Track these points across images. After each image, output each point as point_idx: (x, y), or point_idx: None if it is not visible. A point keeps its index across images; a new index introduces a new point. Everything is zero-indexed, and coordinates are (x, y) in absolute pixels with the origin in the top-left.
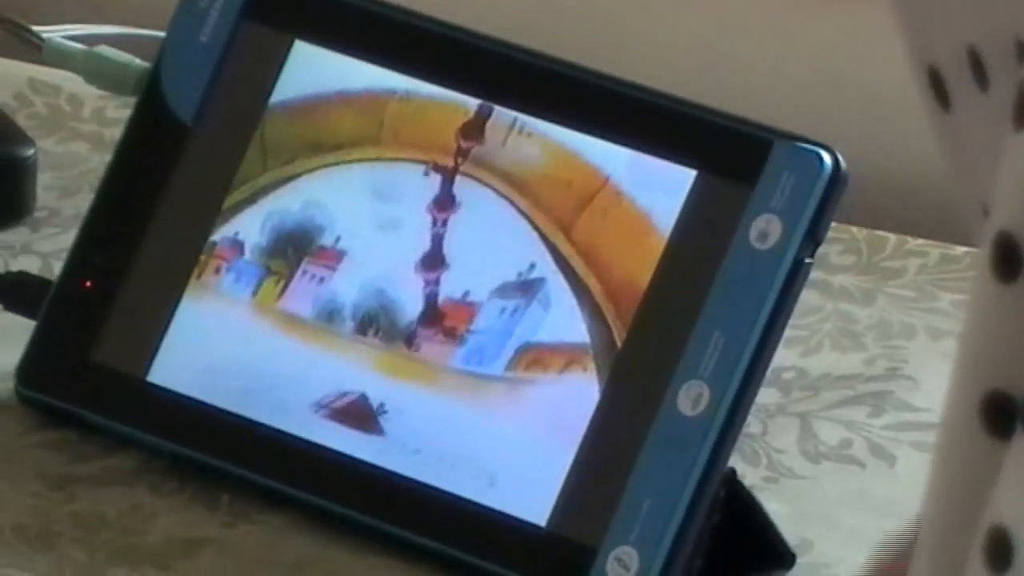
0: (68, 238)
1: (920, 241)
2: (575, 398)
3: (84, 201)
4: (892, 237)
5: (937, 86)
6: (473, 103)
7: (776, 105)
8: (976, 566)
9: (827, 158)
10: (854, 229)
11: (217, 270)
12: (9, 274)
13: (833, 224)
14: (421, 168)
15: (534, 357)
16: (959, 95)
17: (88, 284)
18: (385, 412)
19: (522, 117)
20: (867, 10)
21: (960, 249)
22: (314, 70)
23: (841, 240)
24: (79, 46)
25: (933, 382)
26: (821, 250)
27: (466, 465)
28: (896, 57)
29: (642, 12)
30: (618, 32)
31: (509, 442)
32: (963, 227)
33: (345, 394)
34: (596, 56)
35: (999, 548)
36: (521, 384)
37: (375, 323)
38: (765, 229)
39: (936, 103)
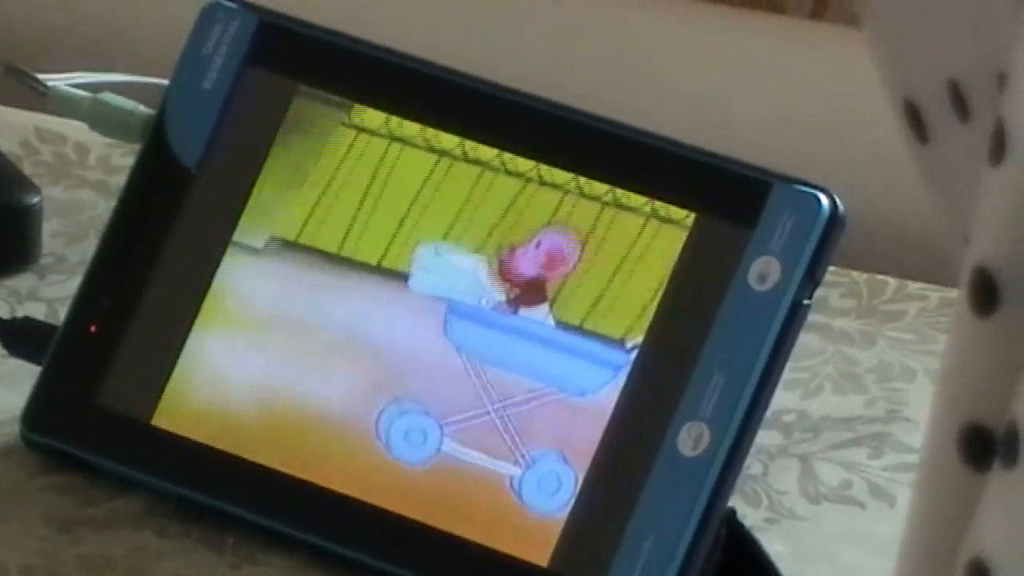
0: (74, 284)
1: (919, 285)
2: (574, 443)
3: (90, 248)
4: (892, 281)
5: (913, 119)
6: (480, 149)
7: (775, 150)
8: None
9: (825, 200)
10: (854, 273)
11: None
12: (15, 320)
13: (833, 268)
14: None
15: None
16: (938, 127)
17: (93, 328)
18: None
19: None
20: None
21: (958, 293)
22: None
23: (841, 284)
24: (84, 93)
25: None
26: (821, 294)
27: None
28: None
29: (642, 60)
30: (619, 78)
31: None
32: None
33: None
34: (597, 101)
35: None
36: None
37: None
38: (764, 271)
39: (913, 136)
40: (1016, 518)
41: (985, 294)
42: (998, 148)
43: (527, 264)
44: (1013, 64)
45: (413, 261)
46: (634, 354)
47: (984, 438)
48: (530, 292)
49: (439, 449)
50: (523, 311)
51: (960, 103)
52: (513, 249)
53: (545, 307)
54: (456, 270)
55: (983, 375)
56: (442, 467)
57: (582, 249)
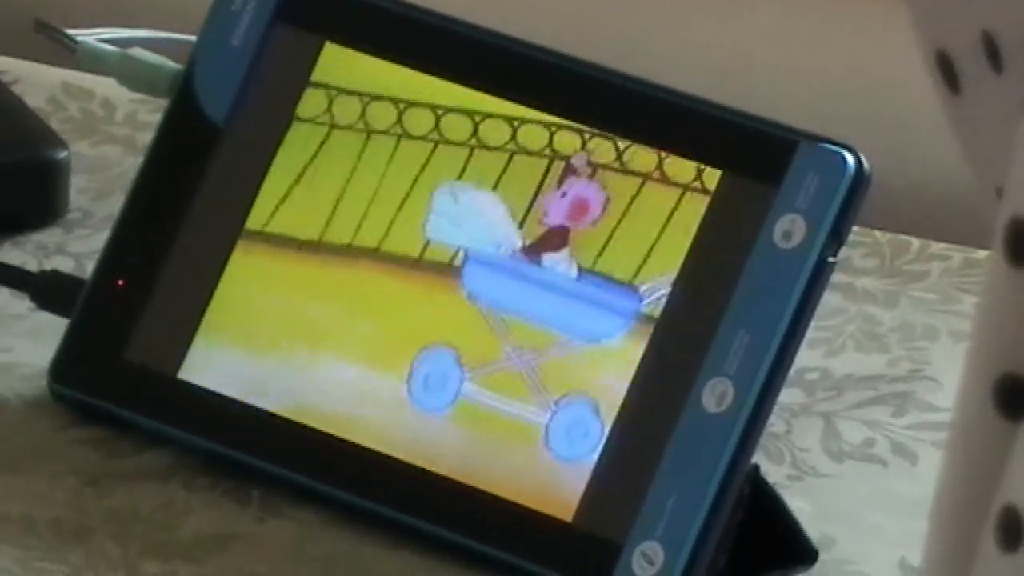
0: (100, 240)
1: (943, 245)
2: (601, 394)
3: (116, 204)
4: (915, 241)
5: (946, 70)
6: (503, 104)
7: (799, 110)
8: (988, 544)
9: (850, 159)
10: (877, 233)
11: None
12: (43, 273)
13: (856, 228)
14: None
15: None
16: (970, 78)
17: (121, 283)
18: None
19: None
20: (892, 16)
21: (982, 253)
22: (344, 72)
23: (864, 244)
24: (113, 48)
25: (955, 383)
26: (845, 253)
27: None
28: (917, 63)
29: (668, 19)
30: (644, 38)
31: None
32: (985, 231)
33: None
34: (623, 61)
35: (1011, 526)
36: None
37: None
38: (789, 229)
39: (945, 87)
40: None
41: (1020, 245)
42: None
43: (554, 211)
44: None
45: (431, 206)
46: (659, 307)
47: (1019, 388)
48: (553, 239)
49: (459, 393)
50: (545, 257)
51: (994, 54)
52: (538, 195)
53: (567, 253)
54: (475, 214)
55: (1018, 326)
56: (464, 413)
57: (607, 201)
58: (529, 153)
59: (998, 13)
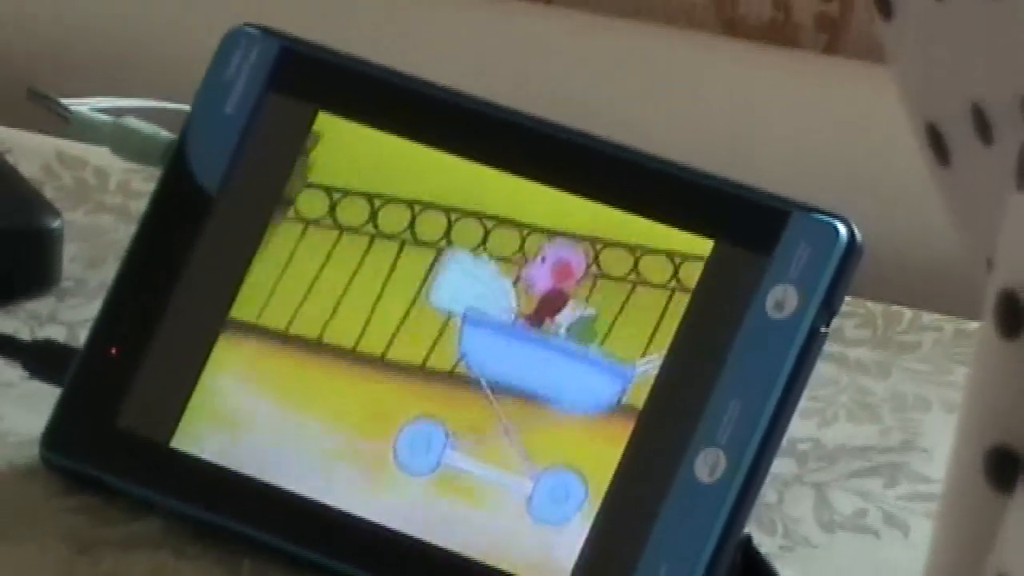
0: (93, 308)
1: (935, 316)
2: (590, 462)
3: (110, 272)
4: (907, 312)
5: (936, 142)
6: (498, 174)
7: (792, 180)
8: None
9: (843, 229)
10: (870, 304)
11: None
12: (36, 342)
13: (849, 299)
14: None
15: None
16: (959, 150)
17: (113, 351)
18: None
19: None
20: (883, 86)
21: (974, 324)
22: (339, 142)
23: (857, 314)
24: (106, 117)
25: (947, 454)
26: (837, 323)
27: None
28: (911, 132)
29: (659, 91)
30: (635, 109)
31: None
32: (977, 302)
33: None
34: (613, 131)
35: None
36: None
37: None
38: (781, 299)
39: (935, 158)
40: None
41: (1011, 316)
42: (1022, 172)
43: (540, 281)
44: None
45: (435, 273)
46: (651, 377)
47: (1010, 460)
48: (549, 304)
49: (444, 461)
50: (547, 322)
51: (983, 126)
52: (524, 263)
53: (563, 319)
54: (476, 281)
55: (1009, 397)
56: (450, 479)
57: (599, 267)
58: (513, 224)
59: (987, 86)
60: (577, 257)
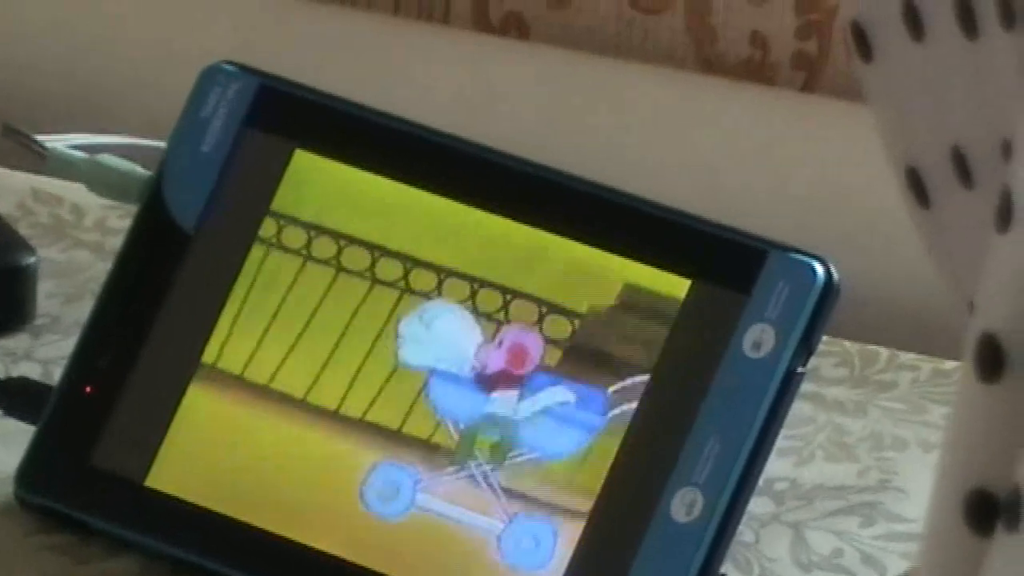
0: (69, 345)
1: (912, 355)
2: (565, 504)
3: (85, 309)
4: (884, 351)
5: (916, 184)
6: (477, 214)
7: (770, 219)
8: None
9: (820, 269)
10: (847, 343)
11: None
12: (10, 380)
13: (826, 338)
14: None
15: None
16: (940, 193)
17: (88, 389)
18: None
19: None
20: (861, 125)
21: (951, 364)
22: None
23: (834, 354)
24: (82, 155)
25: (923, 494)
26: (815, 363)
27: None
28: (888, 172)
29: (634, 130)
30: (609, 147)
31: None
32: (954, 342)
33: None
34: (588, 170)
35: None
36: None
37: None
38: (759, 339)
39: (915, 201)
40: None
41: (991, 360)
42: (1005, 215)
43: (495, 361)
44: (1019, 132)
45: (400, 332)
46: (629, 416)
47: (989, 503)
48: (502, 379)
49: (415, 503)
50: (496, 393)
51: (963, 170)
52: (481, 346)
53: (516, 394)
54: (442, 339)
55: (989, 441)
56: (420, 522)
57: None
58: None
59: (967, 129)
60: (535, 344)
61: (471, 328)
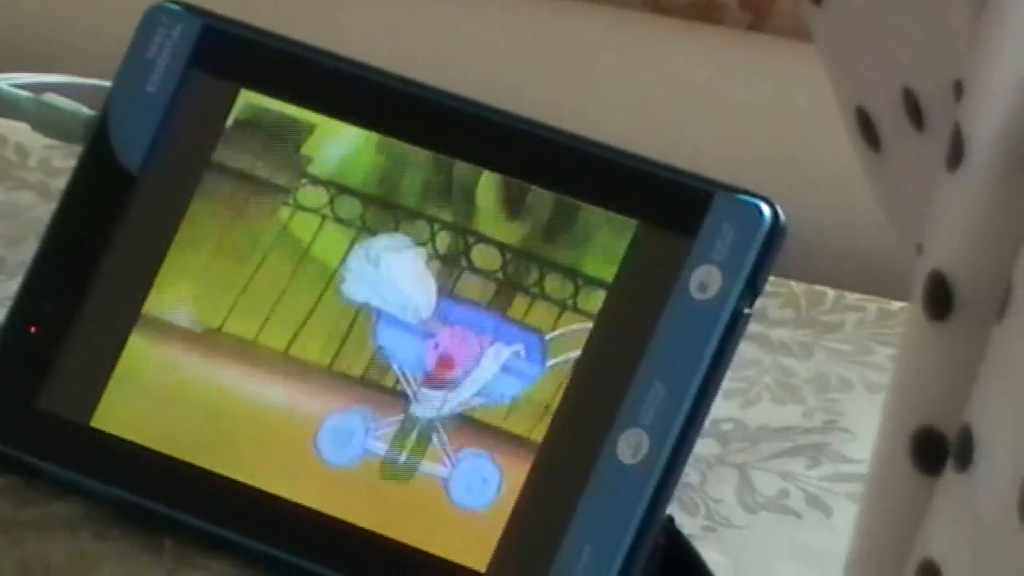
0: (13, 286)
1: (858, 296)
2: (510, 446)
3: (30, 250)
4: (830, 292)
5: (865, 127)
6: (420, 153)
7: (717, 160)
8: None
9: (767, 210)
10: (793, 284)
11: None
12: None
13: (772, 279)
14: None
15: None
16: (890, 135)
17: (33, 330)
18: None
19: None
20: (808, 65)
21: (897, 304)
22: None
23: (780, 295)
24: (26, 94)
25: (869, 434)
26: (760, 304)
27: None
28: (834, 114)
29: (581, 70)
30: (558, 89)
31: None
32: (900, 283)
33: None
34: (536, 111)
35: None
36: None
37: None
38: (705, 280)
39: (864, 144)
40: (967, 520)
41: (940, 299)
42: (955, 154)
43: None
44: (970, 72)
45: (347, 267)
46: (573, 360)
47: (937, 443)
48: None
49: (366, 450)
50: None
51: (915, 112)
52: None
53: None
54: (389, 280)
55: (937, 380)
56: (371, 468)
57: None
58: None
59: (919, 71)
60: (471, 344)
61: (421, 270)
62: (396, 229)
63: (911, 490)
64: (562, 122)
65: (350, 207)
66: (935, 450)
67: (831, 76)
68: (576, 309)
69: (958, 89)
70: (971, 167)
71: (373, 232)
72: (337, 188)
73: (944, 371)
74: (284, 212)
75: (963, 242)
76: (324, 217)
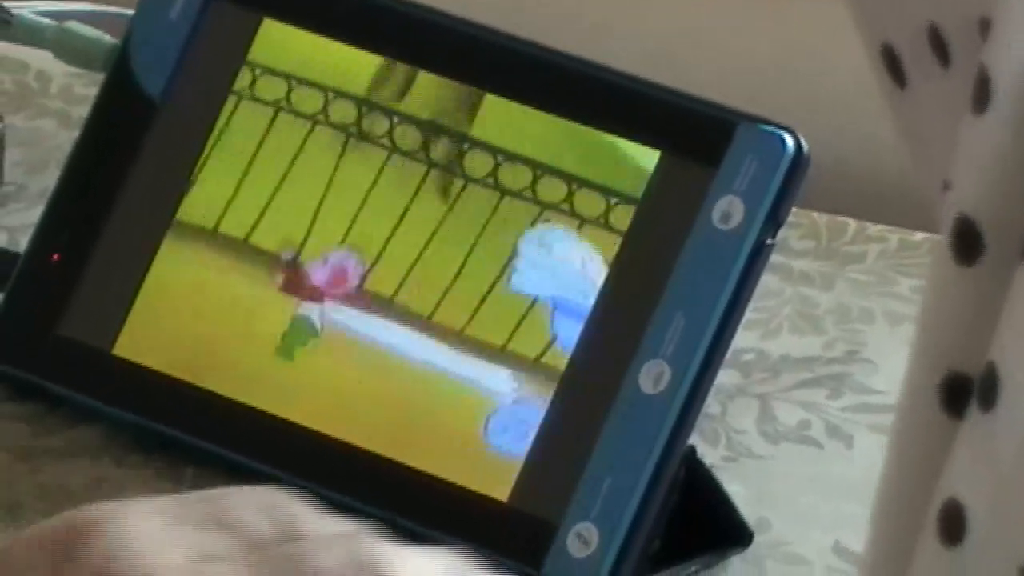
0: (35, 213)
1: (880, 227)
2: (539, 374)
3: (51, 177)
4: (852, 223)
5: (891, 64)
6: (444, 84)
7: (739, 91)
8: (929, 539)
9: (790, 140)
10: (814, 214)
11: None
12: None
13: (794, 209)
14: None
15: None
16: (916, 72)
17: (55, 257)
18: None
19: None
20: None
21: (919, 235)
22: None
23: (801, 225)
24: (49, 21)
25: (891, 365)
26: (781, 235)
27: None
28: (856, 45)
29: (600, 2)
30: (576, 19)
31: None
32: (922, 214)
33: None
34: (564, 39)
35: (952, 521)
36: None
37: None
38: (728, 210)
39: (891, 81)
40: (989, 460)
41: (967, 244)
42: (981, 96)
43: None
44: (997, 9)
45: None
46: (596, 289)
47: (964, 385)
48: None
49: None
50: None
51: (940, 49)
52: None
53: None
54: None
55: (964, 323)
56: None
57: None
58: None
59: (944, 6)
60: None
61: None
62: (419, 151)
63: (938, 434)
64: (581, 52)
65: (379, 123)
66: (961, 392)
67: (856, 11)
68: (596, 242)
69: (983, 26)
70: (997, 110)
71: (409, 154)
72: (365, 103)
73: (973, 315)
74: (309, 138)
75: (990, 187)
76: (348, 139)
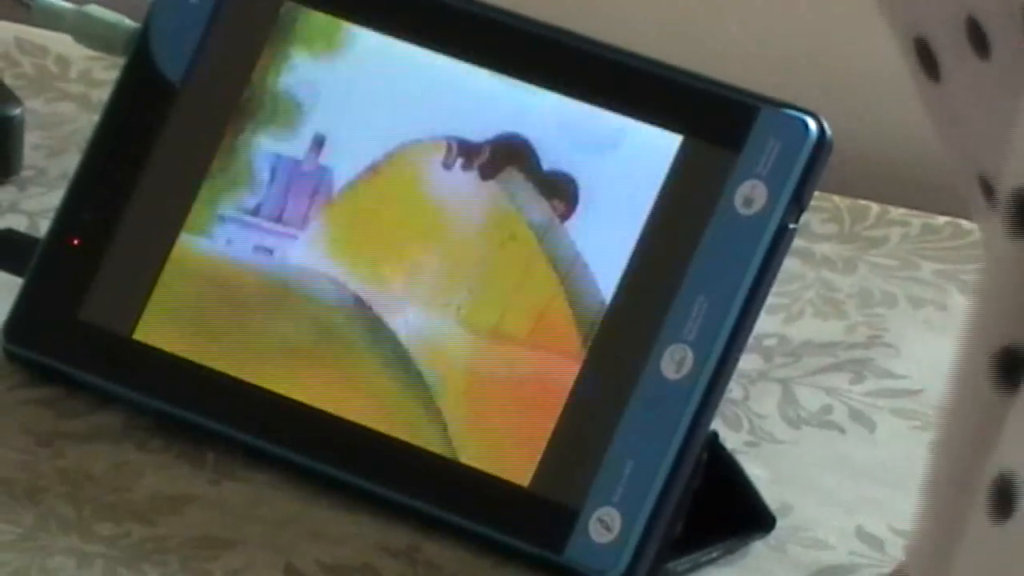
0: (55, 197)
1: (902, 211)
2: (561, 359)
3: (71, 161)
4: (874, 207)
5: (925, 56)
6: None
7: (760, 76)
8: (980, 513)
9: (812, 125)
10: (836, 198)
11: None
12: None
13: (816, 193)
14: None
15: None
16: (952, 65)
17: (76, 242)
18: None
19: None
20: None
21: (941, 219)
22: (303, 32)
23: (824, 209)
24: (69, 5)
25: (913, 350)
26: (804, 219)
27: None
28: (879, 30)
29: None
30: (606, 4)
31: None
32: (944, 197)
33: None
34: (585, 23)
35: (1003, 495)
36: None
37: None
38: (750, 195)
39: (924, 74)
40: None
41: (1023, 216)
42: None
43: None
44: None
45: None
46: (618, 274)
47: (1018, 360)
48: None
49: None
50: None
51: (980, 39)
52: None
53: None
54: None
55: (1020, 298)
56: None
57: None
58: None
59: None
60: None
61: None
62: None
63: (990, 407)
64: (602, 35)
65: None
66: (1014, 366)
67: (886, 6)
68: (621, 225)
69: None
70: None
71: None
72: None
73: None
74: None
75: None
76: None
